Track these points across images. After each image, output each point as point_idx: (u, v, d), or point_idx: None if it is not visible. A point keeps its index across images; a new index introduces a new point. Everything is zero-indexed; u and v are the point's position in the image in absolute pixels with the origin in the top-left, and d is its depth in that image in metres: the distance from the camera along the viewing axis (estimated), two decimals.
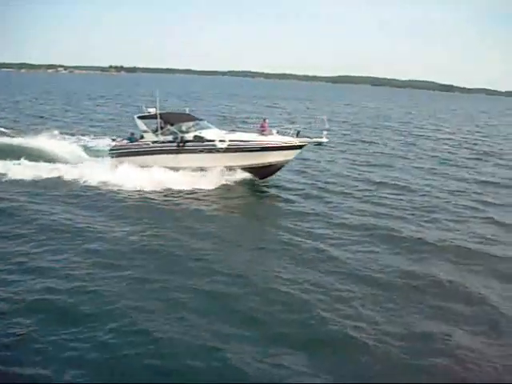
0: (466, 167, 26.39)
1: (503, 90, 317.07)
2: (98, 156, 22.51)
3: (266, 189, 19.35)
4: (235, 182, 18.72)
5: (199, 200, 17.14)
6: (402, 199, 18.21)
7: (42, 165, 19.67)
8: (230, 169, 18.71)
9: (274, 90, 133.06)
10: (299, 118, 42.01)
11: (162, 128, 19.87)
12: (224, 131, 20.07)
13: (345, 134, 37.57)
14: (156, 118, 20.08)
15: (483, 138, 41.30)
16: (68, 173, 18.97)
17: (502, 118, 78.40)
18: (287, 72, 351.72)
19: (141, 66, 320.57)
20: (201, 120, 21.13)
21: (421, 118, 63.11)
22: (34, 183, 17.99)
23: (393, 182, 20.99)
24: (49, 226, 13.68)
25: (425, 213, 16.56)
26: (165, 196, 17.40)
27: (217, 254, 12.28)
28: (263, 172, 19.01)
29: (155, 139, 19.84)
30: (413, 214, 16.30)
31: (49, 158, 20.86)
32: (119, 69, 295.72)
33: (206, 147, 18.70)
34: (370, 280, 10.98)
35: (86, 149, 24.28)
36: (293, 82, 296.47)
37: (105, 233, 13.40)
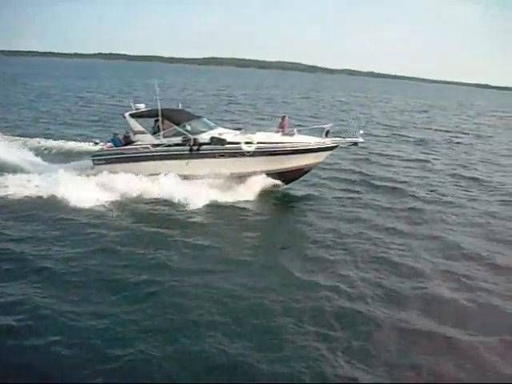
0: None
1: (365, 71, 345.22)
2: (62, 162, 18.15)
3: (302, 197, 17.25)
4: (263, 190, 16.14)
5: (226, 216, 14.28)
6: None
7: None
8: (255, 175, 16.19)
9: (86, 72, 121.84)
10: None
11: (162, 129, 16.46)
12: (237, 131, 17.19)
13: None
14: (154, 116, 16.61)
15: None
16: (39, 187, 14.84)
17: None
18: (153, 54, 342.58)
19: None
20: (200, 117, 18.09)
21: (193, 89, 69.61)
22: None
23: None
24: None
25: None
26: (181, 211, 14.26)
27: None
28: (290, 177, 16.62)
29: (155, 142, 16.37)
30: None
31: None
32: None
33: (228, 151, 15.86)
34: None
35: (42, 154, 19.39)
36: (157, 63, 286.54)
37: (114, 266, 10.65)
